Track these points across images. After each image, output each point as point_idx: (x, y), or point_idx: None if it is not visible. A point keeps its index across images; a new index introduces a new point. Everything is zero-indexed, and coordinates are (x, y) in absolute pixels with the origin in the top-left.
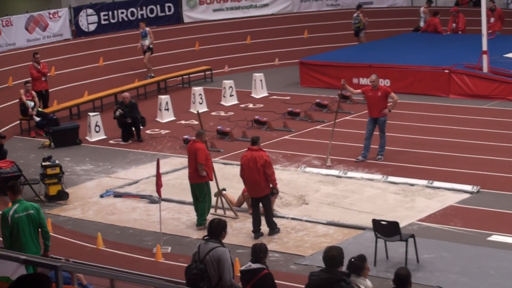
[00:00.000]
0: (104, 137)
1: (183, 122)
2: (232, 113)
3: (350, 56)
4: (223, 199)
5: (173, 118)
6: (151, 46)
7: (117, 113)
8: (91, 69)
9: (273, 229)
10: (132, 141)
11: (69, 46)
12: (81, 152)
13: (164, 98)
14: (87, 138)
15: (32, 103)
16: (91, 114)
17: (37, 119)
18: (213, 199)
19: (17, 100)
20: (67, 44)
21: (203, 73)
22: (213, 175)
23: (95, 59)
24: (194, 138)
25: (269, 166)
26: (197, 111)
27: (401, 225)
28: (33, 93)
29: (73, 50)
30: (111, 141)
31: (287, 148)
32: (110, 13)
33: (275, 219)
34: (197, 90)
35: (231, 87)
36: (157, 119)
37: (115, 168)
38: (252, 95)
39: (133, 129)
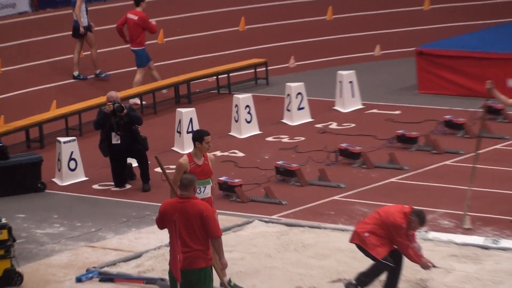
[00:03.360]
0: (84, 178)
1: (220, 153)
2: (302, 138)
3: (501, 42)
4: None
5: None
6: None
7: (117, 104)
8: (62, 61)
9: None
10: (131, 185)
11: (28, 24)
12: (45, 205)
13: (187, 113)
14: (55, 180)
15: None
16: (62, 139)
17: None
18: None
19: None
20: (25, 20)
21: (252, 71)
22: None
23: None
24: (183, 193)
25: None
26: (156, 157)
27: None
28: None
29: (34, 30)
30: (95, 186)
31: (395, 197)
32: None
33: None
34: (242, 99)
35: (299, 93)
36: (175, 148)
37: (103, 232)
38: (336, 107)
39: (132, 163)
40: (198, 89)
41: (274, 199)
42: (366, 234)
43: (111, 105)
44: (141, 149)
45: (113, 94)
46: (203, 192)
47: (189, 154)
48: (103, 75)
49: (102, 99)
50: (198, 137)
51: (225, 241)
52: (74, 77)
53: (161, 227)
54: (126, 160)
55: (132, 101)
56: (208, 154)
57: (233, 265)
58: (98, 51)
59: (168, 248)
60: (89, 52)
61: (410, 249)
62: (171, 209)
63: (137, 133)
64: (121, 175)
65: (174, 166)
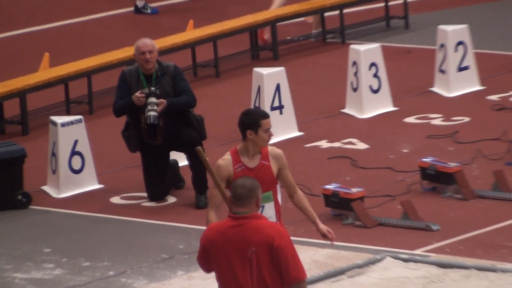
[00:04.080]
0: (97, 186)
1: (326, 144)
2: (466, 118)
3: None
4: None
5: (297, 132)
6: None
7: (150, 114)
8: None
9: None
10: (176, 198)
11: None
12: (29, 231)
13: (271, 76)
14: (46, 189)
15: None
16: (58, 120)
17: None
18: None
19: None
20: None
21: (381, 4)
22: None
23: None
24: (238, 210)
25: None
26: (197, 149)
27: None
28: None
29: None
30: (116, 199)
31: None
32: None
33: None
34: (364, 52)
35: (461, 43)
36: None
37: (128, 278)
38: None
39: (178, 161)
40: (289, 36)
41: (418, 222)
42: None
43: (143, 97)
44: (195, 137)
45: (147, 42)
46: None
47: (234, 151)
48: (148, 10)
49: (126, 53)
50: (250, 122)
51: None
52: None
53: (208, 269)
54: (168, 157)
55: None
56: (269, 148)
57: None
58: None
59: None
60: None
61: None
62: (220, 238)
63: (188, 112)
64: (160, 181)
65: None
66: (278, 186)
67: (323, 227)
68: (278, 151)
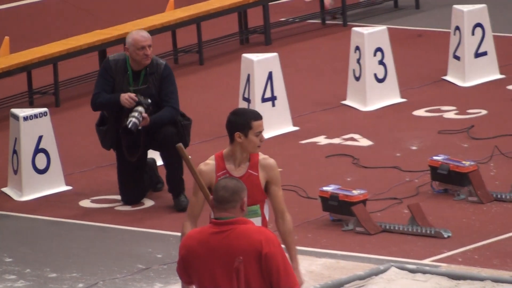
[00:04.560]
0: (65, 188)
1: (325, 140)
2: (483, 111)
3: None
4: None
5: (292, 127)
6: None
7: (132, 120)
8: None
9: None
10: (154, 201)
11: None
12: None
13: (262, 63)
14: (6, 191)
15: None
16: (20, 113)
17: None
18: None
19: None
20: None
21: None
22: None
23: None
24: (221, 215)
25: None
26: (178, 146)
27: None
28: None
29: None
30: (85, 202)
31: None
32: None
33: None
34: (368, 36)
35: (479, 26)
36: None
37: None
38: None
39: (156, 159)
40: (283, 17)
41: (427, 228)
42: None
43: (133, 99)
44: (172, 133)
45: (146, 35)
46: None
47: (219, 155)
48: None
49: (97, 37)
50: (240, 122)
51: None
52: None
53: (188, 282)
54: (145, 156)
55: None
56: (260, 157)
57: None
58: None
59: None
60: None
61: None
62: (202, 247)
63: (176, 111)
64: (136, 183)
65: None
66: (266, 200)
67: (300, 278)
68: (271, 161)
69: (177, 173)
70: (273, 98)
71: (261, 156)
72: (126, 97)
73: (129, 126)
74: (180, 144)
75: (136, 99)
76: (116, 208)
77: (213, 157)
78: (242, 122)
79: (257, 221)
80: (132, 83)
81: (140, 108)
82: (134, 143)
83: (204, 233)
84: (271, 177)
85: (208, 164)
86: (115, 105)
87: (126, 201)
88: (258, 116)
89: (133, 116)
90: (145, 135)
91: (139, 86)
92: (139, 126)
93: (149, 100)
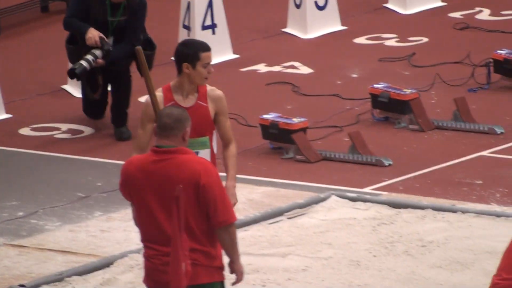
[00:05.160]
0: (5, 116)
1: (265, 68)
2: (424, 39)
3: None
4: None
5: (232, 54)
6: None
7: (82, 63)
8: None
9: None
10: (94, 129)
11: None
12: None
13: None
14: None
15: None
16: None
17: None
18: None
19: None
20: None
21: None
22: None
23: None
24: (163, 142)
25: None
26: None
27: None
28: None
29: None
30: (25, 130)
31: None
32: None
33: None
34: None
35: None
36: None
37: (39, 219)
38: None
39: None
40: None
41: (368, 156)
42: None
43: (97, 43)
44: (126, 71)
45: None
46: None
47: (167, 87)
48: None
49: None
50: (188, 53)
51: (270, 235)
52: None
53: (130, 201)
54: (107, 89)
55: None
56: (208, 88)
57: (287, 281)
58: None
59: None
60: None
61: None
62: (141, 174)
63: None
64: (99, 106)
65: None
66: (214, 132)
67: (234, 198)
68: (219, 92)
69: (123, 105)
70: (213, 26)
71: (209, 87)
72: (91, 36)
73: (76, 70)
74: (139, 47)
75: (99, 44)
76: (56, 136)
77: (160, 89)
78: (190, 53)
79: (206, 153)
80: (111, 15)
81: (97, 53)
82: (95, 82)
83: (144, 160)
84: (219, 108)
85: (155, 96)
86: (81, 37)
87: (90, 112)
88: (206, 47)
89: (85, 60)
90: (103, 73)
91: (118, 17)
92: (89, 69)
93: (111, 48)
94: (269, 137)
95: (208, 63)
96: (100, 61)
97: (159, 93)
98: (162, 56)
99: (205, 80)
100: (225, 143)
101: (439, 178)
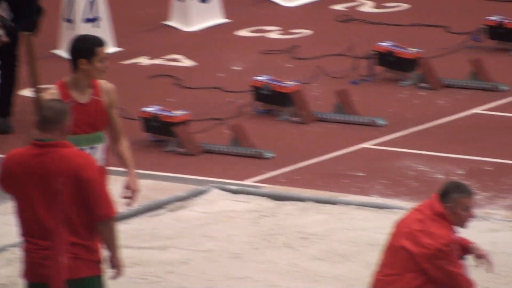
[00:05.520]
0: None
1: (147, 61)
2: (307, 31)
3: None
4: None
5: (115, 47)
6: None
7: None
8: None
9: None
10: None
11: None
12: None
13: None
14: None
15: None
16: None
17: None
18: None
19: None
20: None
21: None
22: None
23: None
24: (43, 136)
25: None
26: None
27: None
28: None
29: None
30: None
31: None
32: None
33: None
34: None
35: None
36: (57, 51)
37: None
38: None
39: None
40: None
41: (249, 149)
42: None
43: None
44: (14, 61)
45: None
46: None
47: (61, 84)
48: None
49: None
50: (83, 50)
51: (151, 228)
52: None
53: (10, 194)
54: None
55: None
56: (101, 82)
57: (167, 274)
58: None
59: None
60: None
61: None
62: (20, 168)
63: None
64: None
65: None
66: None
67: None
68: (110, 85)
69: (10, 93)
70: (95, 19)
71: (101, 81)
72: None
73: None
74: (32, 36)
75: (1, 23)
76: None
77: (54, 86)
78: (86, 48)
79: (101, 147)
80: None
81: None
82: None
83: (24, 154)
84: (112, 101)
85: (53, 94)
86: None
87: None
88: (102, 42)
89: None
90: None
91: None
92: None
93: (12, 24)
94: (150, 130)
95: (105, 57)
96: (4, 39)
97: (54, 91)
98: (42, 49)
99: (103, 73)
100: (116, 136)
101: (321, 171)
